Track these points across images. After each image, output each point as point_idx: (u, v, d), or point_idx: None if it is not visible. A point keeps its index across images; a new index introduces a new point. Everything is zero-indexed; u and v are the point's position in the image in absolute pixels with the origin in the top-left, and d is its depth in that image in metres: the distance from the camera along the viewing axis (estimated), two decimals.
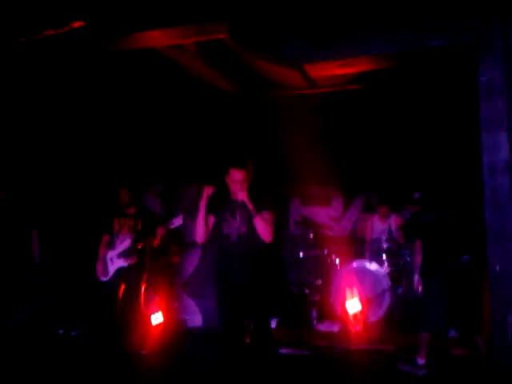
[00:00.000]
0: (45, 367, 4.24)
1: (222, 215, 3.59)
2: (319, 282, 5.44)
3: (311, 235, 5.54)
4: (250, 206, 3.45)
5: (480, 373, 3.83)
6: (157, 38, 3.75)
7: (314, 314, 5.32)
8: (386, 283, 5.14)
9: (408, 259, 5.31)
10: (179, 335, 5.20)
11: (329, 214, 5.83)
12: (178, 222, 4.50)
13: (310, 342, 4.81)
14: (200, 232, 3.57)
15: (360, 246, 5.58)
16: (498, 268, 3.31)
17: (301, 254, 5.57)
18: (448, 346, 4.43)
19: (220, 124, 5.19)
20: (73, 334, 5.20)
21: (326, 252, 5.51)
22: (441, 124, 4.71)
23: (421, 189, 4.27)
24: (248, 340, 3.64)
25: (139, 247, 4.56)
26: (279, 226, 5.66)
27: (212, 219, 3.60)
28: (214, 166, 3.90)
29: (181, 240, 5.72)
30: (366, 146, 5.30)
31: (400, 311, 5.23)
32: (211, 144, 5.26)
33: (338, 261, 5.43)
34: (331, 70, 3.95)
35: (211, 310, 4.87)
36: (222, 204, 3.59)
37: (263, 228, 3.49)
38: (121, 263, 4.53)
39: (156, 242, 4.64)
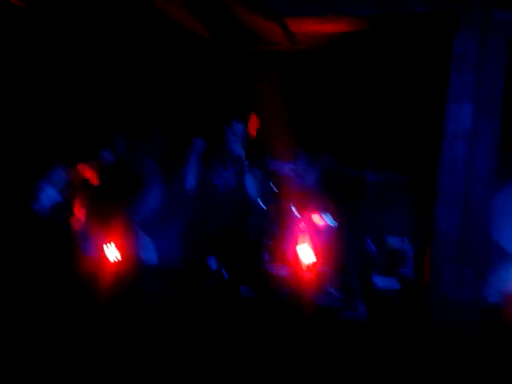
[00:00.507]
0: None
1: (213, 164, 3.56)
2: (276, 230, 5.74)
3: (275, 187, 5.78)
4: (245, 162, 3.50)
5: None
6: None
7: (267, 257, 5.62)
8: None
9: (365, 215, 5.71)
10: (134, 269, 5.24)
11: (292, 169, 6.07)
12: (108, 157, 4.40)
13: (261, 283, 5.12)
14: (189, 180, 3.56)
15: (320, 201, 5.87)
16: (443, 227, 3.69)
17: (262, 204, 5.80)
18: None
19: (196, 73, 5.21)
20: None
21: (286, 203, 5.78)
22: (410, 92, 4.97)
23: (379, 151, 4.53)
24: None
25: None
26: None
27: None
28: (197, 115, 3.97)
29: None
30: (334, 107, 5.53)
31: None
32: (187, 92, 5.29)
33: (296, 212, 5.72)
34: (311, 26, 4.10)
35: (169, 250, 5.04)
36: (214, 152, 3.58)
37: (253, 186, 3.56)
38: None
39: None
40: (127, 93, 5.46)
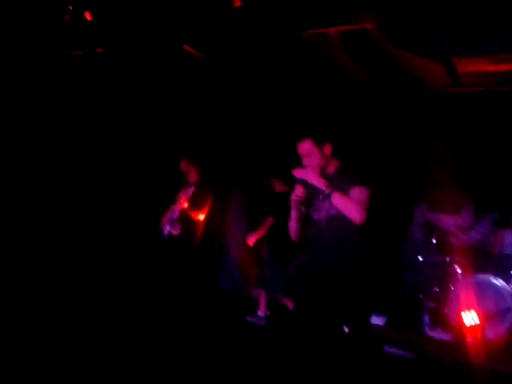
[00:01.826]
0: None
1: (311, 202, 3.24)
2: (436, 288, 5.25)
3: (434, 240, 5.37)
4: (321, 184, 3.07)
5: None
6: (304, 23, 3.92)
7: (427, 319, 5.14)
8: (510, 301, 4.81)
9: None
10: None
11: (456, 223, 5.57)
12: None
13: (419, 346, 4.68)
14: (293, 231, 3.30)
15: (486, 260, 5.26)
16: None
17: (420, 258, 5.41)
18: None
19: (353, 115, 5.19)
20: None
21: (447, 260, 5.29)
22: None
23: None
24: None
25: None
26: (400, 227, 5.63)
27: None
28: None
29: None
30: (506, 155, 4.99)
31: None
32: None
33: (459, 270, 5.19)
34: (480, 66, 3.80)
35: None
36: (311, 191, 3.24)
37: (345, 205, 3.05)
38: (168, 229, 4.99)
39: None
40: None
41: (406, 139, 5.09)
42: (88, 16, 3.92)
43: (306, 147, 3.17)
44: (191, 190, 5.09)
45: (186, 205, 4.98)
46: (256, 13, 3.74)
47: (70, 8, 3.88)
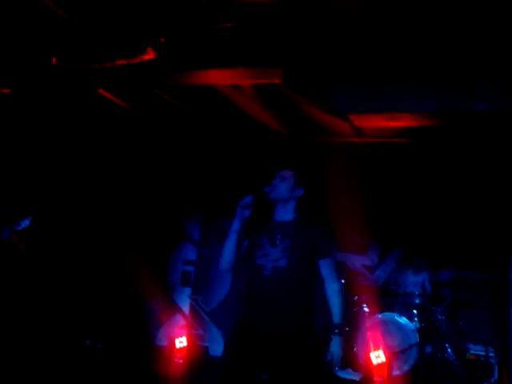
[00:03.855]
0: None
1: (258, 239, 2.87)
2: (345, 327, 5.43)
3: (343, 280, 5.58)
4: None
5: None
6: (217, 77, 4.06)
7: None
8: (413, 338, 5.07)
9: (439, 317, 5.25)
10: (200, 362, 5.29)
11: (364, 263, 5.86)
12: (25, 223, 4.10)
13: None
14: (225, 257, 2.87)
15: (392, 298, 5.55)
16: None
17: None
18: None
19: (267, 162, 5.36)
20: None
21: (356, 299, 5.51)
22: (482, 183, 4.72)
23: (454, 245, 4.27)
24: None
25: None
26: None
27: (245, 243, 2.90)
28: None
29: None
30: (407, 198, 5.35)
31: (426, 370, 5.13)
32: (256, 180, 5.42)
33: (367, 309, 5.42)
34: (377, 122, 4.11)
35: None
36: (260, 224, 2.94)
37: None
38: None
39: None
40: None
41: (319, 185, 5.31)
42: None
43: (287, 172, 3.03)
44: None
45: None
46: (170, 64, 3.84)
47: None
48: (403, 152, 4.88)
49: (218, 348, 5.64)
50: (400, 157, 4.99)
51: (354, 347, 5.22)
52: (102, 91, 4.16)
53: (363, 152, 4.93)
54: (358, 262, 5.86)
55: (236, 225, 2.83)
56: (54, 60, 3.82)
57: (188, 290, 6.15)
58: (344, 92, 3.81)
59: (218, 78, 3.99)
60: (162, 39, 3.81)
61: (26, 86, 4.07)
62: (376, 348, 5.00)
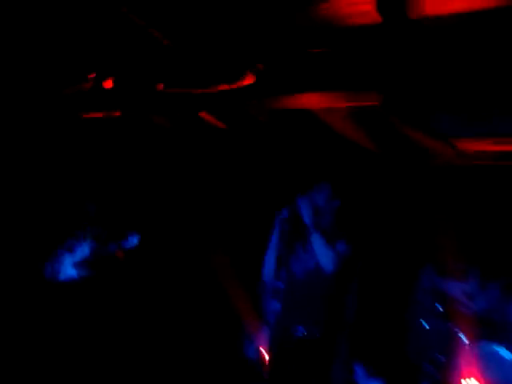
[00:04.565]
0: None
1: (291, 246, 2.84)
2: (441, 357, 5.20)
3: (440, 307, 5.35)
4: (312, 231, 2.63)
5: None
6: (314, 100, 4.09)
7: None
8: None
9: None
10: None
11: (463, 289, 5.57)
12: (133, 240, 4.18)
13: None
14: (268, 268, 2.79)
15: (494, 329, 5.23)
16: None
17: (425, 324, 5.39)
18: None
19: (360, 183, 5.30)
20: None
21: (454, 328, 5.26)
22: None
23: None
24: None
25: None
26: (406, 291, 5.62)
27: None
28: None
29: None
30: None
31: None
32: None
33: (465, 340, 5.15)
34: (483, 146, 3.91)
35: None
36: (294, 231, 2.87)
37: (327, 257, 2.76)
38: None
39: None
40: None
41: (416, 207, 5.16)
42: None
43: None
44: None
45: None
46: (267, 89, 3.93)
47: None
48: (508, 175, 4.60)
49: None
50: (505, 180, 4.70)
51: (449, 378, 5.00)
52: (203, 114, 4.36)
53: (465, 175, 4.71)
54: (458, 288, 5.58)
55: (275, 237, 2.85)
56: (160, 86, 4.08)
57: None
58: (447, 116, 3.66)
59: (315, 101, 4.01)
60: (260, 65, 3.93)
61: (135, 109, 4.37)
62: (473, 380, 4.74)
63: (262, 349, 5.43)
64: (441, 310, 5.32)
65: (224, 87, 3.99)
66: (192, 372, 4.95)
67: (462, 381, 4.84)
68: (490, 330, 5.11)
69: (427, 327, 5.33)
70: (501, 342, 4.94)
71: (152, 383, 4.60)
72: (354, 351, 5.06)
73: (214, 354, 5.32)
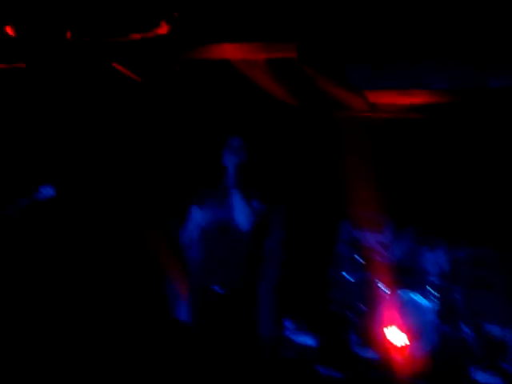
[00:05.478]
0: None
1: (208, 200, 3.09)
2: (363, 306, 5.42)
3: (359, 258, 5.56)
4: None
5: None
6: (230, 51, 4.03)
7: (354, 338, 5.28)
8: (432, 319, 5.03)
9: (457, 297, 5.20)
10: None
11: (379, 240, 5.81)
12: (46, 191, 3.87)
13: (348, 365, 4.81)
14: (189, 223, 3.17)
15: (409, 277, 5.51)
16: None
17: (346, 275, 5.58)
18: None
19: (278, 136, 5.30)
20: None
21: (372, 277, 5.49)
22: (499, 160, 4.62)
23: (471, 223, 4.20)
24: None
25: None
26: (327, 244, 5.79)
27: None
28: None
29: None
30: (422, 174, 5.27)
31: (443, 350, 5.08)
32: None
33: (384, 288, 5.39)
34: (390, 99, 4.05)
35: None
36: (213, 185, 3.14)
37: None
38: None
39: None
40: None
41: (330, 160, 5.28)
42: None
43: None
44: None
45: None
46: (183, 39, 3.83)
47: None
48: (419, 128, 4.80)
49: None
50: (415, 133, 4.91)
51: (372, 326, 5.22)
52: (115, 65, 4.17)
53: (378, 127, 4.86)
54: (374, 239, 5.82)
55: None
56: (68, 34, 3.85)
57: None
58: (359, 67, 3.75)
59: (232, 52, 3.95)
60: (176, 13, 3.80)
61: (41, 60, 4.10)
62: (395, 327, 4.98)
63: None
64: (360, 261, 5.52)
65: (136, 36, 3.84)
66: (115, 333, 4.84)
67: (384, 328, 5.05)
68: (407, 279, 5.38)
69: (349, 278, 5.52)
70: (417, 290, 5.21)
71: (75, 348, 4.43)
72: (283, 307, 5.17)
73: (142, 314, 5.21)
